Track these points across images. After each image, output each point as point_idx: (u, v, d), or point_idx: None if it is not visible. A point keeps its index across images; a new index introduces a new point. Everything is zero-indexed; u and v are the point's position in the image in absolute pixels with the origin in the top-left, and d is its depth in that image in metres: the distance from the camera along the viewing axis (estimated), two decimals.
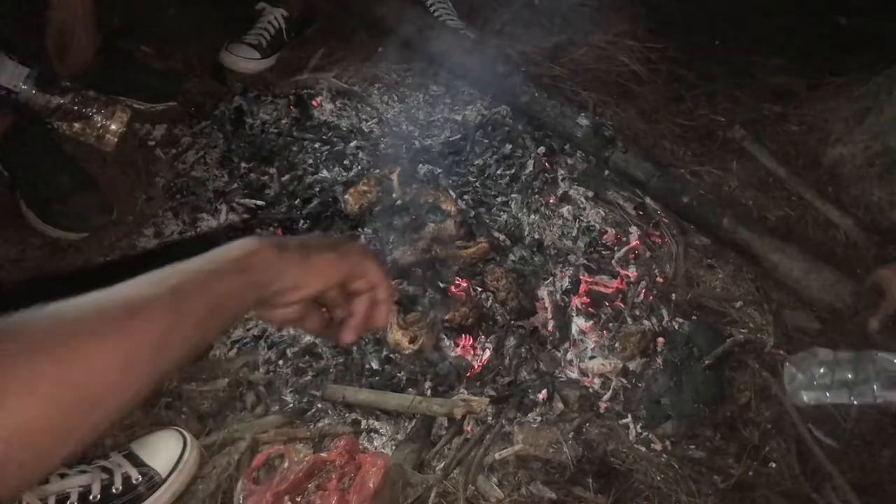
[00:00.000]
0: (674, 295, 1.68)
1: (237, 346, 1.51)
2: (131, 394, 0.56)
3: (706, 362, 1.54)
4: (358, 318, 0.84)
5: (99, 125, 1.76)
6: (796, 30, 2.45)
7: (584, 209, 1.84)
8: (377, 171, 1.82)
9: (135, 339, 0.57)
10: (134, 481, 1.19)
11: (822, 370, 1.45)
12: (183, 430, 1.29)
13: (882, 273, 1.47)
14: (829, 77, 2.25)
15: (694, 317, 1.65)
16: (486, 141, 1.97)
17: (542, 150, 1.94)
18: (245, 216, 1.72)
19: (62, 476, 1.17)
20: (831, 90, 2.20)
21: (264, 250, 0.71)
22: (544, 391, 1.48)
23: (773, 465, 1.44)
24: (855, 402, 1.43)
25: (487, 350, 1.54)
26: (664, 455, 1.42)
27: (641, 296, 1.66)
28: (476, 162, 1.90)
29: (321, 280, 0.77)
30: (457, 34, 2.16)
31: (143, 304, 0.59)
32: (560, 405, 1.48)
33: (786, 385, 1.48)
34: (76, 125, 1.76)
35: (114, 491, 1.17)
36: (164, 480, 1.21)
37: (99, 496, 1.16)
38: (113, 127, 1.77)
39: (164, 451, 1.25)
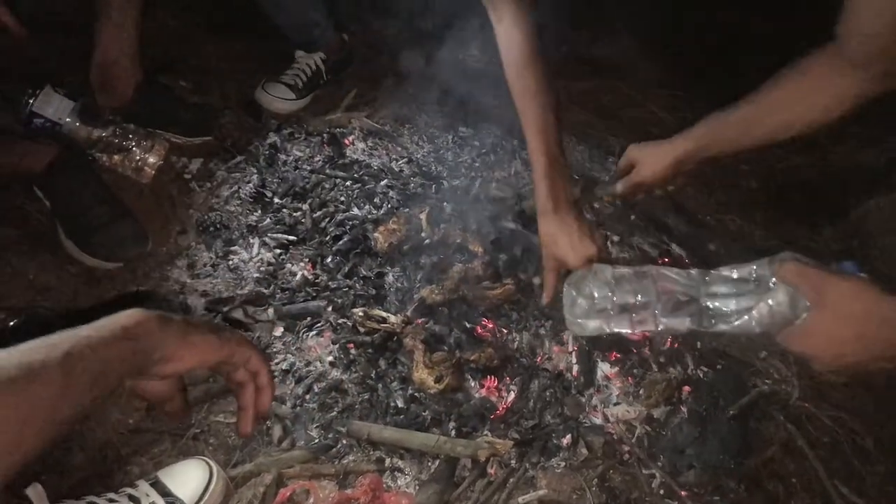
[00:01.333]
0: (699, 343, 1.68)
1: None
2: (25, 451, 0.60)
3: (731, 413, 1.54)
4: (247, 410, 0.88)
5: (138, 157, 1.81)
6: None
7: (612, 252, 1.85)
8: (406, 209, 1.84)
9: (31, 399, 0.61)
10: None
11: (603, 292, 1.28)
12: (209, 461, 1.30)
13: (636, 148, 1.55)
14: (852, 127, 2.26)
15: (718, 366, 1.65)
16: (517, 181, 1.99)
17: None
18: (277, 251, 1.74)
19: None
20: (854, 142, 2.21)
21: (149, 321, 0.75)
22: (569, 436, 1.49)
23: None
24: (635, 331, 1.27)
25: (512, 392, 1.55)
26: None
27: (667, 343, 1.67)
28: (505, 202, 1.92)
29: (196, 357, 0.80)
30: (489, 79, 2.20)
31: (39, 367, 0.62)
32: (584, 451, 1.48)
33: (565, 313, 1.34)
34: (116, 157, 1.81)
35: None
36: None
37: None
38: (151, 160, 1.82)
39: (191, 480, 1.26)
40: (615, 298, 1.26)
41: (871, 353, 0.99)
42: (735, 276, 1.15)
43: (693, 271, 1.20)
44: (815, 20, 1.22)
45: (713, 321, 1.16)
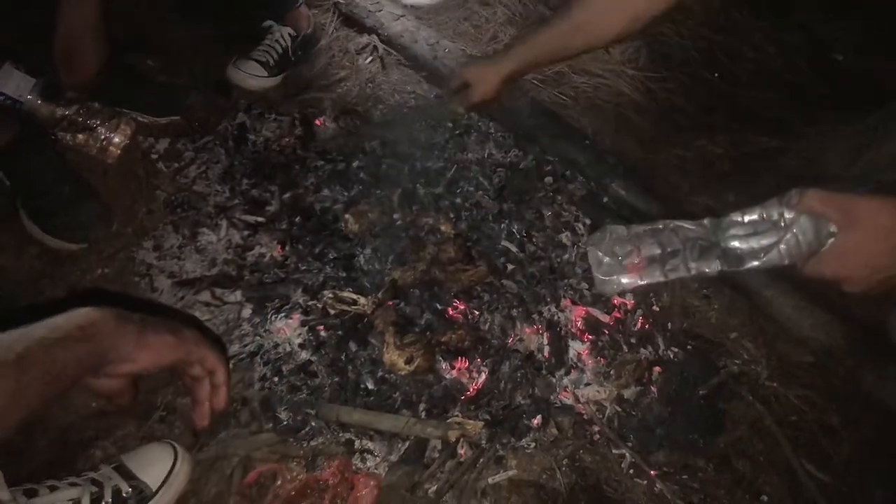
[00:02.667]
0: (669, 324, 1.69)
1: (233, 361, 1.50)
2: None
3: (701, 393, 1.55)
4: (202, 405, 0.88)
5: (102, 137, 1.77)
6: (794, 66, 2.49)
7: (582, 235, 1.84)
8: (378, 191, 1.82)
9: None
10: (124, 494, 1.17)
11: (625, 249, 1.30)
12: (175, 444, 1.28)
13: (468, 69, 1.75)
14: (826, 112, 2.28)
15: (689, 347, 1.65)
16: (489, 163, 1.98)
17: (549, 179, 1.96)
18: (245, 232, 1.72)
19: (52, 489, 1.16)
20: (828, 126, 2.23)
21: (106, 319, 0.75)
22: (539, 416, 1.48)
23: (765, 498, 1.45)
24: (669, 279, 1.28)
25: (483, 373, 1.54)
26: (657, 485, 1.42)
27: (638, 324, 1.67)
28: (477, 184, 1.91)
29: (152, 358, 0.80)
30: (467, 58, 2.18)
31: None
32: (554, 431, 1.48)
33: (594, 273, 1.34)
34: (80, 136, 1.76)
35: None
36: (155, 494, 1.20)
37: None
38: (116, 139, 1.78)
39: (156, 464, 1.24)
40: (642, 252, 1.27)
41: None
42: (745, 219, 1.17)
43: (705, 221, 1.22)
44: None
45: (743, 260, 1.18)
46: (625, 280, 1.30)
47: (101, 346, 0.74)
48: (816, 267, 1.08)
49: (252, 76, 2.08)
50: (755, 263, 1.16)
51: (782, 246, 1.11)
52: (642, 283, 1.28)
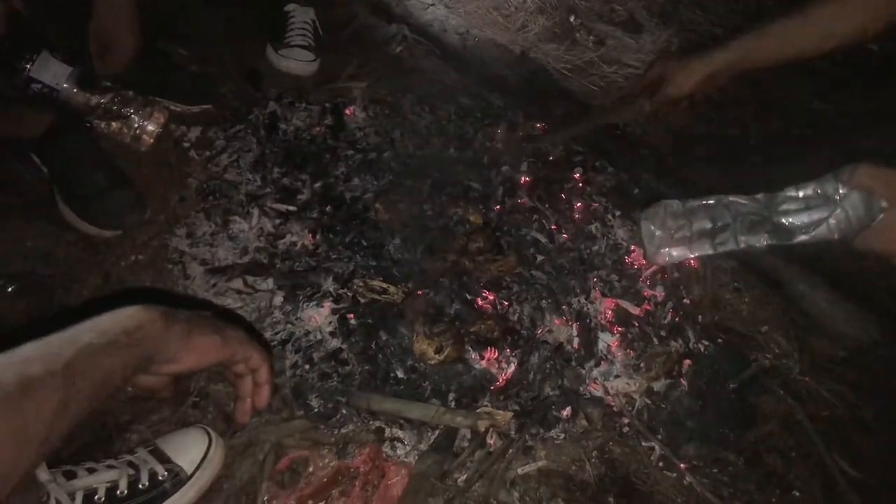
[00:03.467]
0: (700, 317, 1.68)
1: None
2: (24, 466, 0.59)
3: (731, 386, 1.54)
4: (244, 400, 0.89)
5: (136, 125, 1.79)
6: (829, 56, 2.44)
7: (612, 227, 1.83)
8: (408, 181, 1.83)
9: (28, 416, 0.59)
10: (160, 477, 1.19)
11: (678, 223, 1.34)
12: (209, 429, 1.29)
13: (669, 63, 1.56)
14: (863, 104, 2.24)
15: (720, 340, 1.64)
16: (519, 152, 1.98)
17: (579, 170, 1.95)
18: (276, 220, 1.73)
19: (90, 471, 1.18)
20: (863, 119, 2.19)
21: (153, 322, 0.74)
22: (568, 408, 1.48)
23: (797, 493, 1.44)
24: (717, 251, 1.32)
25: (512, 364, 1.54)
26: (686, 478, 1.42)
27: (668, 317, 1.66)
28: (507, 175, 1.91)
29: (197, 359, 0.80)
30: (496, 48, 2.17)
31: (37, 382, 0.61)
32: (584, 422, 1.48)
33: (646, 245, 1.40)
34: (114, 124, 1.78)
35: (140, 487, 1.17)
36: (190, 477, 1.21)
37: (126, 491, 1.16)
38: (150, 127, 1.80)
39: (190, 448, 1.25)
40: (694, 226, 1.30)
41: None
42: (800, 194, 1.18)
43: (759, 195, 1.24)
44: None
45: (791, 234, 1.18)
46: (675, 252, 1.34)
47: (149, 349, 0.74)
48: (865, 241, 1.09)
49: (303, 62, 2.09)
50: (804, 237, 1.17)
51: (832, 220, 1.12)
52: (692, 255, 1.32)
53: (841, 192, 1.10)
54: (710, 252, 1.31)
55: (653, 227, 1.38)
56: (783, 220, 1.19)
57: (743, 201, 1.27)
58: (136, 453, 1.23)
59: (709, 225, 1.29)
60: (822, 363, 1.64)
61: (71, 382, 0.63)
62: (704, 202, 1.32)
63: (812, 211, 1.16)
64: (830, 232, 1.13)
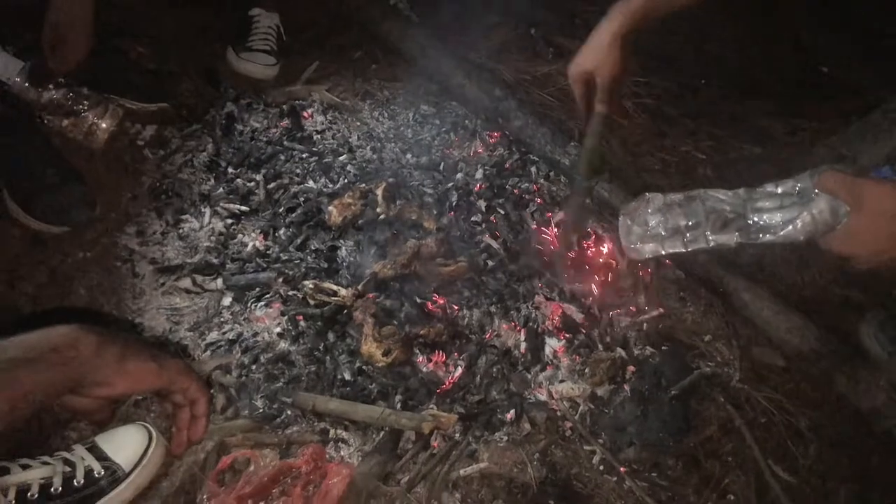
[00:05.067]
0: (645, 325, 1.71)
1: (211, 348, 1.51)
2: None
3: (673, 393, 1.57)
4: (181, 432, 0.88)
5: (89, 122, 1.77)
6: (779, 76, 2.52)
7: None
8: (363, 184, 1.84)
9: None
10: (96, 475, 1.18)
11: (656, 219, 1.34)
12: (149, 426, 1.28)
13: (577, 59, 1.45)
14: (808, 123, 2.31)
15: (664, 347, 1.68)
16: (474, 160, 2.00)
17: (541, 181, 1.99)
18: (228, 221, 1.73)
19: (24, 467, 1.17)
20: (810, 135, 2.26)
21: (86, 343, 0.73)
22: (513, 411, 1.50)
23: (732, 497, 1.47)
24: (689, 249, 1.32)
25: (459, 367, 1.56)
26: (626, 482, 1.44)
27: (614, 324, 1.69)
28: (462, 182, 1.93)
29: (131, 385, 0.78)
30: (456, 58, 2.19)
31: None
32: (527, 426, 1.50)
33: (622, 240, 1.39)
34: (66, 121, 1.77)
35: (75, 484, 1.17)
36: (127, 475, 1.21)
37: (60, 489, 1.15)
38: (103, 125, 1.78)
39: (129, 445, 1.24)
40: (669, 222, 1.31)
41: None
42: (780, 190, 1.21)
43: (740, 190, 1.26)
44: None
45: (760, 234, 1.22)
46: (647, 248, 1.35)
47: (78, 370, 0.72)
48: (828, 243, 1.13)
49: (264, 66, 2.11)
50: (770, 238, 1.20)
51: (798, 222, 1.16)
52: (664, 251, 1.33)
53: (816, 191, 1.14)
54: (682, 250, 1.33)
55: (630, 222, 1.37)
56: (755, 218, 1.23)
57: (722, 196, 1.29)
58: (74, 450, 1.22)
59: (682, 222, 1.30)
60: (762, 371, 1.68)
61: None
62: (685, 195, 1.34)
63: (785, 210, 1.19)
64: (797, 233, 1.17)
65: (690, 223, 1.28)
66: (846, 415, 1.63)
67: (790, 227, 1.17)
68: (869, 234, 1.08)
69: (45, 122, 1.75)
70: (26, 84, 1.68)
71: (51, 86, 1.72)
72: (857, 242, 1.09)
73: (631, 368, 1.62)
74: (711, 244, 1.27)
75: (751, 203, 1.23)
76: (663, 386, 1.59)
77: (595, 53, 1.41)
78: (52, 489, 1.15)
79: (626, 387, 1.59)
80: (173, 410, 0.88)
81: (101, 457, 1.21)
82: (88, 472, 1.18)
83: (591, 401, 1.56)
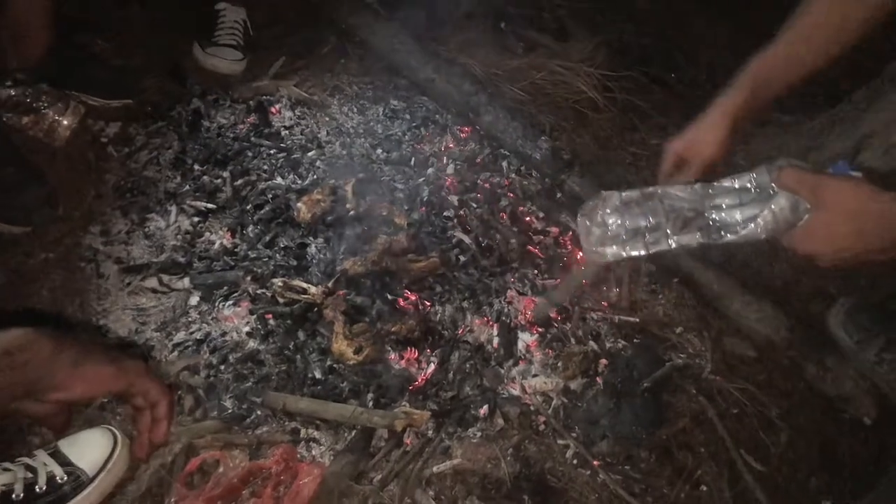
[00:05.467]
0: (617, 318, 1.71)
1: (179, 349, 1.49)
2: None
3: (645, 385, 1.57)
4: (142, 436, 0.85)
5: (50, 119, 1.74)
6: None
7: (535, 229, 1.86)
8: (332, 181, 1.82)
9: None
10: (59, 480, 1.16)
11: (614, 219, 1.29)
12: (114, 429, 1.26)
13: (678, 140, 1.37)
14: (777, 114, 2.33)
15: (635, 340, 1.68)
16: (445, 155, 1.99)
17: (512, 175, 1.98)
18: (195, 219, 1.70)
19: None
20: (779, 127, 2.28)
21: (39, 347, 0.71)
22: (486, 407, 1.50)
23: (705, 488, 1.48)
24: (650, 252, 1.28)
25: (432, 364, 1.55)
26: (599, 475, 1.44)
27: (585, 318, 1.69)
28: (433, 177, 1.92)
29: (88, 388, 0.76)
30: (426, 53, 2.18)
31: None
32: (501, 421, 1.49)
33: (582, 243, 1.34)
34: (26, 118, 1.73)
35: (37, 490, 1.14)
36: (91, 480, 1.18)
37: (22, 495, 1.12)
38: (65, 122, 1.75)
39: (93, 449, 1.22)
40: (627, 224, 1.27)
41: (867, 247, 1.05)
42: (737, 185, 1.20)
43: (696, 185, 1.23)
44: None
45: (721, 233, 1.20)
46: (609, 251, 1.30)
47: (31, 374, 0.70)
48: (790, 241, 1.11)
49: (230, 61, 2.08)
50: (732, 237, 1.19)
51: (760, 220, 1.15)
52: (625, 255, 1.29)
53: (774, 186, 1.13)
54: (643, 252, 1.30)
55: (588, 223, 1.32)
56: (715, 217, 1.21)
57: (679, 192, 1.26)
58: (36, 456, 1.20)
59: (642, 223, 1.26)
60: (733, 363, 1.69)
61: None
62: (641, 192, 1.30)
63: (744, 208, 1.18)
64: (757, 232, 1.16)
65: (650, 224, 1.25)
66: (816, 403, 1.64)
67: (751, 225, 1.16)
68: (831, 232, 1.07)
69: (4, 119, 1.71)
70: None
71: (9, 82, 1.69)
72: (819, 240, 1.08)
73: (603, 362, 1.62)
74: (673, 246, 1.25)
75: (708, 200, 1.21)
76: (636, 378, 1.59)
77: (703, 133, 1.33)
78: (14, 496, 1.12)
79: (599, 380, 1.59)
80: (134, 413, 0.86)
81: (63, 462, 1.19)
82: (51, 477, 1.16)
83: (564, 395, 1.56)
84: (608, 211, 1.30)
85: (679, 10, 2.64)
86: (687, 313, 1.77)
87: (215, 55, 2.07)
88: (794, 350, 1.68)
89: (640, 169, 2.14)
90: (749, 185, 1.18)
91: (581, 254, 1.32)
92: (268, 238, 1.68)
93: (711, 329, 1.74)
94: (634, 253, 1.29)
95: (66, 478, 1.16)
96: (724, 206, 1.19)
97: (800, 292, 1.86)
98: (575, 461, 1.47)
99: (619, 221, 1.29)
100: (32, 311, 1.49)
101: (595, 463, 1.46)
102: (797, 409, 1.63)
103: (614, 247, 1.30)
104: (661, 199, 1.26)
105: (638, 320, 1.72)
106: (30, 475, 1.15)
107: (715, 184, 1.22)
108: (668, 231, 1.25)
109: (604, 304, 1.74)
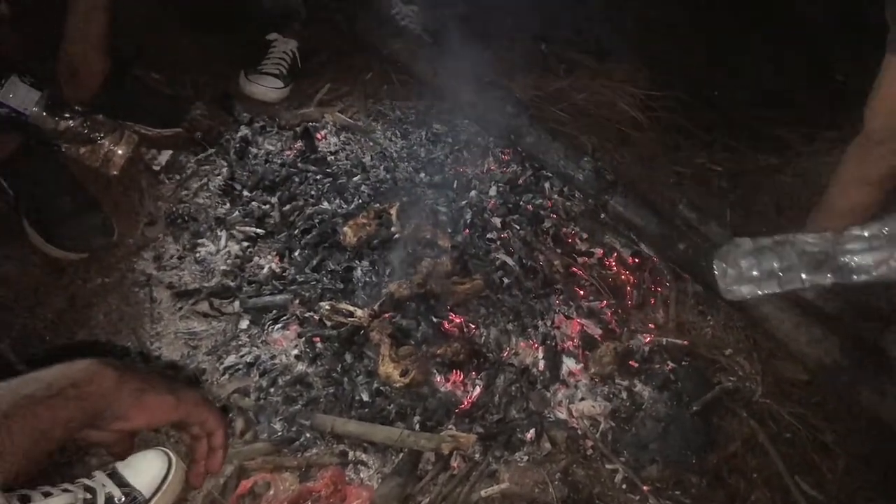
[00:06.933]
0: (665, 340, 1.69)
1: (229, 372, 1.51)
2: None
3: (694, 409, 1.55)
4: (198, 464, 0.87)
5: (106, 149, 1.79)
6: (795, 85, 2.50)
7: (580, 251, 1.85)
8: (377, 204, 1.84)
9: None
10: (117, 501, 1.18)
11: (748, 261, 1.42)
12: (169, 451, 1.29)
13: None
14: (824, 132, 2.29)
15: (684, 363, 1.66)
16: (487, 178, 2.00)
17: (555, 196, 1.98)
18: (244, 244, 1.74)
19: (45, 495, 1.16)
20: (826, 144, 2.24)
21: (105, 378, 0.73)
22: (532, 430, 1.49)
23: None
24: (784, 290, 1.40)
25: (478, 387, 1.55)
26: (650, 501, 1.42)
27: (634, 340, 1.68)
28: (475, 199, 1.93)
29: (149, 418, 0.78)
30: (468, 77, 2.20)
31: None
32: (548, 445, 1.48)
33: (718, 282, 1.47)
34: (83, 149, 1.78)
35: None
36: (148, 501, 1.21)
37: None
38: (119, 151, 1.79)
39: (149, 471, 1.25)
40: (762, 265, 1.39)
41: None
42: (866, 234, 1.24)
43: (827, 233, 1.29)
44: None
45: (854, 274, 1.24)
46: (745, 289, 1.44)
47: (97, 404, 0.72)
48: None
49: (270, 88, 2.13)
50: (865, 278, 1.22)
51: (892, 262, 1.17)
52: (760, 293, 1.42)
53: None
54: (778, 290, 1.39)
55: (725, 265, 1.46)
56: (847, 260, 1.26)
57: (810, 240, 1.34)
58: (94, 477, 1.22)
59: (776, 264, 1.38)
60: (784, 386, 1.66)
61: (6, 435, 0.62)
62: (773, 240, 1.41)
63: (875, 252, 1.22)
64: (892, 272, 1.19)
65: (785, 265, 1.35)
66: (874, 429, 1.59)
67: (884, 266, 1.20)
68: None
69: (63, 150, 1.77)
70: (43, 113, 1.69)
71: (67, 114, 1.74)
72: None
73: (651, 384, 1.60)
74: (806, 284, 1.32)
75: (839, 246, 1.26)
76: (684, 401, 1.57)
77: None
78: None
79: (639, 384, 1.59)
80: (191, 442, 0.88)
81: (121, 483, 1.21)
82: (109, 498, 1.18)
83: (611, 418, 1.54)
84: (742, 255, 1.43)
85: (718, 28, 2.62)
86: (736, 335, 1.74)
87: (255, 82, 2.13)
88: (848, 373, 1.64)
89: (685, 189, 2.12)
90: (879, 233, 1.21)
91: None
92: (315, 262, 1.71)
93: (761, 351, 1.71)
94: (768, 291, 1.41)
95: (123, 498, 1.19)
96: (855, 251, 1.23)
97: (851, 313, 1.81)
98: (624, 486, 1.45)
99: (753, 263, 1.35)
100: (91, 342, 1.53)
101: (645, 488, 1.44)
102: (854, 435, 1.58)
103: (749, 286, 1.44)
104: (792, 245, 1.37)
105: (686, 343, 1.69)
106: (89, 496, 1.18)
107: (845, 233, 1.26)
108: (802, 271, 1.35)
109: (650, 325, 1.72)
